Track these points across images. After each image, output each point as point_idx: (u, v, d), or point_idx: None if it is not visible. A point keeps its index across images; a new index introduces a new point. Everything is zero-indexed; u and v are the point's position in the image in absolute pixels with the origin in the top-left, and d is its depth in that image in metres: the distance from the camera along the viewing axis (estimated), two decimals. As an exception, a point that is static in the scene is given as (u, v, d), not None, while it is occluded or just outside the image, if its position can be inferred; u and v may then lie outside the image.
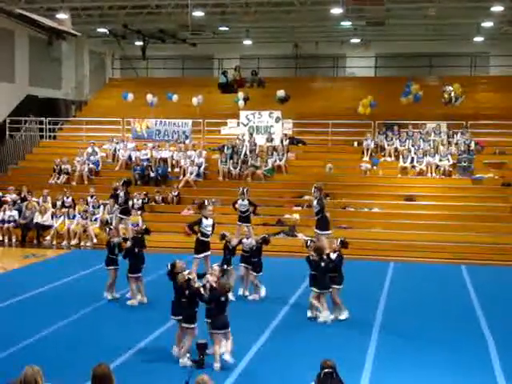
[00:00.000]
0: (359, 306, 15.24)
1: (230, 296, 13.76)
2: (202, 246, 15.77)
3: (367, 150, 27.97)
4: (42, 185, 27.25)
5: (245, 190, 17.88)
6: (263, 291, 16.31)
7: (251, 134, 28.51)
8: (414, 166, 26.73)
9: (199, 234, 15.75)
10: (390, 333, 13.66)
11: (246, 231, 17.17)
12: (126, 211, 17.81)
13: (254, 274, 16.27)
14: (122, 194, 17.70)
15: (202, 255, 15.77)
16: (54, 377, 7.34)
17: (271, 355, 12.16)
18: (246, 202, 17.70)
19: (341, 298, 14.62)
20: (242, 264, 16.44)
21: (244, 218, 17.62)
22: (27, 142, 32.50)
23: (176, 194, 26.08)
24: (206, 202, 16.07)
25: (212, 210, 16.78)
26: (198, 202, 16.63)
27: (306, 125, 30.35)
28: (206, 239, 15.79)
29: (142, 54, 37.67)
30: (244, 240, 16.59)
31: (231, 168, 27.37)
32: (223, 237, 16.27)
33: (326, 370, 8.13)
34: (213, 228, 15.99)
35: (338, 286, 14.50)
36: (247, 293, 16.49)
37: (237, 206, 17.79)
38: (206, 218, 15.79)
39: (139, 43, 37.55)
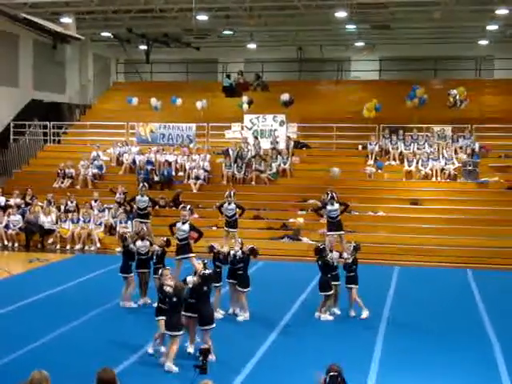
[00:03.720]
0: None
1: (219, 314, 13.73)
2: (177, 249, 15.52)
3: (372, 153, 27.90)
4: (46, 189, 27.24)
5: (232, 193, 17.05)
6: (247, 315, 14.83)
7: (255, 138, 28.47)
8: (419, 170, 26.63)
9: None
10: (395, 336, 13.63)
11: (233, 239, 16.07)
12: (146, 216, 17.71)
13: (240, 289, 14.81)
14: (144, 198, 17.56)
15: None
16: (57, 381, 7.28)
17: (277, 358, 12.14)
18: (232, 205, 16.71)
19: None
20: (229, 280, 15.08)
21: (230, 223, 16.69)
22: (31, 146, 32.51)
23: (172, 200, 25.90)
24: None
25: (186, 214, 15.72)
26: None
27: (311, 128, 30.30)
28: (180, 243, 15.37)
29: (146, 57, 37.70)
30: (232, 251, 15.18)
31: (235, 172, 27.32)
32: (211, 249, 15.17)
33: (332, 374, 8.11)
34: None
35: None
36: (237, 310, 15.14)
37: (222, 209, 17.04)
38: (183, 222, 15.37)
39: (143, 47, 37.60)
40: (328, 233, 16.93)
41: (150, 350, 12.24)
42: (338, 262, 15.16)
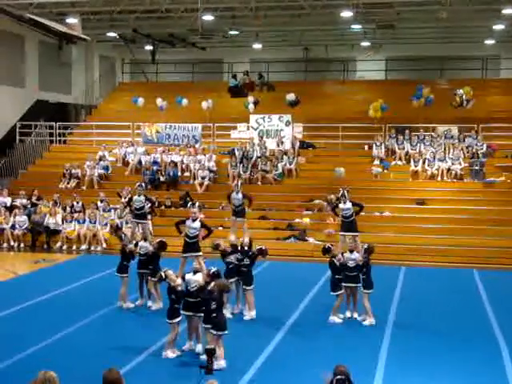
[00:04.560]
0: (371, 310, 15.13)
1: (227, 313, 13.65)
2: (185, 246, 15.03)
3: (378, 153, 27.80)
4: (52, 189, 27.28)
5: (239, 183, 17.22)
6: (253, 313, 14.94)
7: (261, 138, 28.44)
8: (425, 170, 26.55)
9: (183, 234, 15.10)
10: (401, 336, 13.59)
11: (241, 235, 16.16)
12: (142, 216, 17.36)
13: (244, 286, 14.87)
14: (140, 198, 17.27)
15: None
16: (64, 382, 7.27)
17: (283, 358, 12.12)
18: (240, 195, 16.80)
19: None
20: (235, 277, 14.92)
21: (238, 213, 16.74)
22: (37, 146, 32.54)
23: (181, 199, 25.91)
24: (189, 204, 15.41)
25: (196, 211, 15.14)
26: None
27: (316, 128, 30.26)
28: (189, 240, 14.88)
29: (151, 58, 37.75)
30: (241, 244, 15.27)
31: (241, 172, 27.29)
32: (217, 247, 15.16)
33: (339, 377, 8.03)
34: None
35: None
36: (245, 309, 15.13)
37: (231, 198, 16.94)
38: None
39: (149, 47, 37.65)
40: (340, 233, 16.84)
41: (172, 354, 12.07)
42: (358, 263, 14.84)
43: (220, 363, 11.32)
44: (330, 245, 15.36)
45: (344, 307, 15.05)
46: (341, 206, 16.65)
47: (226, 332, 11.66)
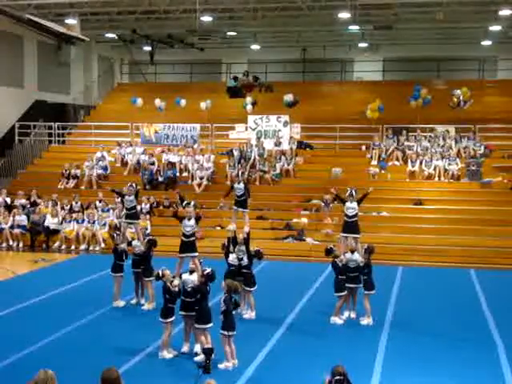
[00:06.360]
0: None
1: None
2: (182, 246, 14.89)
3: (375, 154, 27.88)
4: (50, 189, 27.32)
5: (240, 173, 17.33)
6: (253, 314, 15.06)
7: (259, 138, 28.50)
8: (422, 170, 26.64)
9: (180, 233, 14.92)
10: (399, 336, 13.67)
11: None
12: (133, 216, 17.34)
13: (247, 288, 14.82)
14: (131, 197, 17.20)
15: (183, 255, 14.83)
16: (62, 381, 7.36)
17: (281, 358, 12.19)
18: (241, 185, 17.05)
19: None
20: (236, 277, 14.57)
21: (240, 203, 16.95)
22: (36, 146, 32.59)
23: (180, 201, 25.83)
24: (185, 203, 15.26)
25: (191, 211, 14.82)
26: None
27: (314, 129, 30.33)
28: (186, 239, 14.72)
29: (150, 58, 37.83)
30: (238, 247, 15.23)
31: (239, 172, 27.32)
32: (224, 247, 15.52)
33: (337, 378, 8.07)
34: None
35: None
36: (243, 310, 15.06)
37: (233, 189, 17.24)
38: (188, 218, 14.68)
39: (148, 48, 37.73)
40: (341, 234, 16.85)
41: (168, 355, 12.17)
42: (358, 264, 14.86)
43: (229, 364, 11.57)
44: (331, 246, 15.43)
45: (343, 307, 15.12)
46: (347, 204, 16.73)
47: (210, 325, 11.87)
